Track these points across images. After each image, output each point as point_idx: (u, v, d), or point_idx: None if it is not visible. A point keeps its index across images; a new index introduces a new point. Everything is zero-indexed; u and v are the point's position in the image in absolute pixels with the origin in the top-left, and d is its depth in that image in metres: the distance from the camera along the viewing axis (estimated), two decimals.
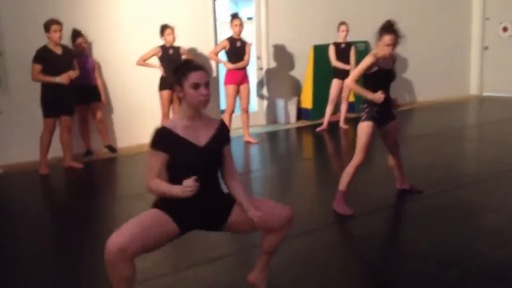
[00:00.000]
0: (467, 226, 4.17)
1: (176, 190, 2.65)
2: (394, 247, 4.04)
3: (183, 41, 7.29)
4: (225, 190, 2.93)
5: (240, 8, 9.29)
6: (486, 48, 11.46)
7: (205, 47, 7.93)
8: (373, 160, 6.09)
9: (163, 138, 2.73)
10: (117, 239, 2.56)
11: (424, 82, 10.73)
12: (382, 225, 4.41)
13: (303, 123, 8.94)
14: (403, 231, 4.40)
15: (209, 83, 2.75)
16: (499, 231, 4.05)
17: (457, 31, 11.31)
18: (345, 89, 8.23)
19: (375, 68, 4.47)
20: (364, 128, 4.48)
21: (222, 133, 2.90)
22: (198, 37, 7.92)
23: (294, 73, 9.17)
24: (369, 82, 4.53)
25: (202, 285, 3.35)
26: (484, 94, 11.57)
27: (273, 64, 8.87)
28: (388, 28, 4.44)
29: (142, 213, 2.75)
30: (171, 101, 7.00)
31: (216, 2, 8.22)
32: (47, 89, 6.08)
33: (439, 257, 3.61)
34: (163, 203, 2.77)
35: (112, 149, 7.14)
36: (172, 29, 6.86)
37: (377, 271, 3.55)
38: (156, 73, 7.07)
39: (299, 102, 9.11)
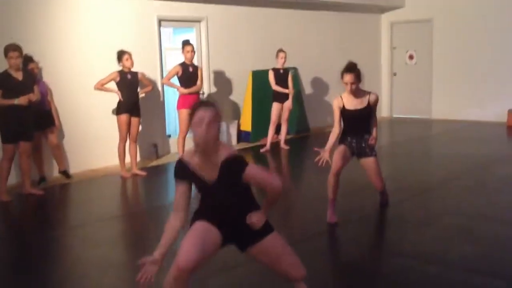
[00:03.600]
0: (437, 227, 4.79)
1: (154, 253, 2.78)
2: (379, 246, 4.56)
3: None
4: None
5: (181, 35, 9.57)
6: (395, 74, 12.65)
7: (152, 73, 8.13)
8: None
9: (181, 170, 2.90)
10: (189, 256, 2.69)
11: None
12: (363, 230, 4.91)
13: (243, 145, 9.34)
14: (384, 233, 4.94)
15: (210, 123, 2.73)
16: (466, 230, 4.71)
17: (368, 59, 12.36)
18: (285, 111, 8.79)
19: (341, 108, 4.95)
20: (337, 148, 4.99)
21: (229, 165, 2.83)
22: (145, 63, 8.08)
23: (233, 97, 9.59)
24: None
25: None
26: (394, 115, 12.71)
27: (213, 89, 9.23)
28: (347, 68, 4.87)
29: (193, 226, 2.89)
30: (128, 125, 7.10)
31: (161, 29, 8.46)
32: (6, 114, 5.97)
33: (419, 253, 4.15)
34: (201, 216, 2.94)
35: (66, 174, 7.08)
36: (130, 54, 7.01)
37: (366, 268, 4.02)
38: (110, 97, 7.14)
39: (238, 125, 9.51)
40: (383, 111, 12.80)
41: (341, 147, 4.99)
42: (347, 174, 5.19)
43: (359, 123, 4.99)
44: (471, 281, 3.65)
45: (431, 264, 3.95)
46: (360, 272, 3.96)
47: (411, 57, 12.37)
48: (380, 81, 12.73)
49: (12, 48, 5.87)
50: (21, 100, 5.90)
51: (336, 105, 4.98)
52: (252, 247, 2.96)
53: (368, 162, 5.03)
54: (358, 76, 4.85)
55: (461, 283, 3.63)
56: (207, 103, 2.86)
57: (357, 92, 4.93)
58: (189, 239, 2.80)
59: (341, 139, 5.04)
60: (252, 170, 2.87)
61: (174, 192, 2.96)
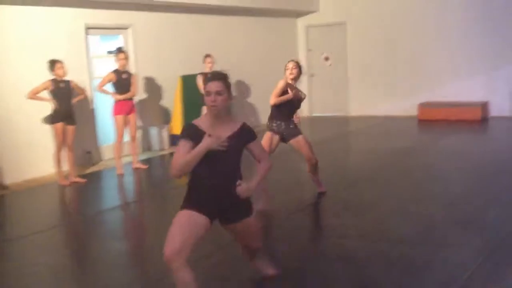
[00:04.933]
0: (374, 212, 5.29)
1: (203, 144, 3.07)
2: (325, 232, 4.98)
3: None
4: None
5: (108, 42, 9.59)
6: (312, 75, 13.30)
7: (81, 81, 8.10)
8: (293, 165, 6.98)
9: (190, 130, 3.20)
10: (171, 246, 2.99)
11: (265, 106, 12.04)
12: (308, 219, 5.32)
13: (175, 148, 9.48)
14: (328, 220, 5.36)
15: (221, 92, 3.14)
16: (401, 212, 5.24)
17: (286, 61, 12.90)
18: None
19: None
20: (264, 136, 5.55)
21: (244, 132, 3.29)
22: (74, 71, 8.01)
23: (163, 102, 9.73)
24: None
25: None
26: (314, 114, 13.35)
27: (143, 95, 9.33)
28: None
29: (177, 216, 3.15)
30: (64, 133, 7.07)
31: (88, 37, 8.46)
32: None
33: (363, 235, 4.61)
34: (189, 201, 3.20)
35: (2, 186, 6.96)
36: (62, 63, 7.00)
37: (317, 251, 4.43)
38: (43, 106, 7.09)
39: (169, 130, 9.66)
40: (304, 111, 13.41)
41: (266, 137, 5.59)
42: (286, 171, 5.57)
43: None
44: (409, 252, 4.14)
45: (375, 243, 4.41)
46: (311, 254, 4.34)
47: (326, 58, 13.06)
48: (299, 82, 13.28)
49: None
50: None
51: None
52: (230, 224, 3.35)
53: (296, 139, 5.64)
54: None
55: (403, 256, 4.10)
56: (217, 75, 3.24)
57: None
58: (176, 231, 3.06)
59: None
60: (258, 143, 3.40)
61: (177, 151, 3.17)
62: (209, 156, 3.12)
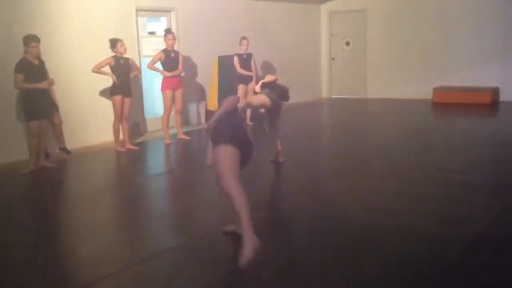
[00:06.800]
0: (405, 176, 6.15)
1: None
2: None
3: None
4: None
5: (152, 23, 10.41)
6: (333, 59, 14.09)
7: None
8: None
9: None
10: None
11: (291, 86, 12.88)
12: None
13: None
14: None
15: None
16: (425, 179, 6.10)
17: (309, 45, 13.72)
18: (250, 92, 9.91)
19: None
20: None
21: None
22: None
23: (199, 80, 10.57)
24: None
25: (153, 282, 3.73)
26: (333, 96, 14.17)
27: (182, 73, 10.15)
28: None
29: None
30: (122, 105, 7.93)
31: (138, 19, 9.28)
32: (30, 96, 6.77)
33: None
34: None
35: (66, 151, 7.82)
36: (123, 41, 7.84)
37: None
38: (103, 80, 7.97)
39: (206, 105, 10.51)
40: (323, 92, 14.25)
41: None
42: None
43: None
44: (436, 209, 5.00)
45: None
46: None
47: (347, 43, 13.85)
48: (320, 65, 14.14)
49: (34, 39, 6.64)
50: (44, 84, 6.76)
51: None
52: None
53: None
54: None
55: (430, 212, 4.96)
56: None
57: None
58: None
59: None
60: None
61: None
62: None
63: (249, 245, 3.71)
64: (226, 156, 3.92)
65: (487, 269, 3.67)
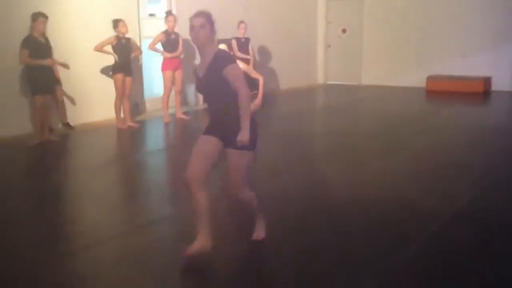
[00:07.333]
0: (390, 158, 6.42)
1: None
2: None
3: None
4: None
5: (148, 5, 10.57)
6: (329, 46, 14.31)
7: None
8: None
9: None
10: (191, 170, 3.39)
11: (283, 73, 13.12)
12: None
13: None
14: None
15: (201, 26, 3.32)
16: (415, 159, 6.37)
17: (306, 32, 13.93)
18: (251, 73, 10.10)
19: None
20: None
21: (217, 60, 3.33)
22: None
23: (198, 61, 10.73)
24: None
25: (132, 254, 3.79)
26: (328, 82, 14.41)
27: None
28: None
29: (197, 142, 3.53)
30: (123, 83, 8.15)
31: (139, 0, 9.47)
32: (35, 71, 6.97)
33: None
34: (205, 128, 3.54)
35: (69, 126, 8.05)
36: (125, 22, 8.04)
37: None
38: (105, 59, 8.17)
39: None
40: (319, 79, 14.48)
41: None
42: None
43: None
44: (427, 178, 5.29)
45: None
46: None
47: (343, 30, 14.06)
48: (316, 52, 14.36)
49: (42, 15, 6.87)
50: (49, 61, 7.01)
51: None
52: (226, 149, 3.51)
53: None
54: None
55: (420, 173, 5.24)
56: (199, 13, 3.41)
57: None
58: (195, 156, 3.49)
59: None
60: (232, 70, 3.33)
61: None
62: (201, 89, 3.49)
63: (261, 225, 3.85)
64: (248, 163, 3.56)
65: (467, 236, 3.96)
